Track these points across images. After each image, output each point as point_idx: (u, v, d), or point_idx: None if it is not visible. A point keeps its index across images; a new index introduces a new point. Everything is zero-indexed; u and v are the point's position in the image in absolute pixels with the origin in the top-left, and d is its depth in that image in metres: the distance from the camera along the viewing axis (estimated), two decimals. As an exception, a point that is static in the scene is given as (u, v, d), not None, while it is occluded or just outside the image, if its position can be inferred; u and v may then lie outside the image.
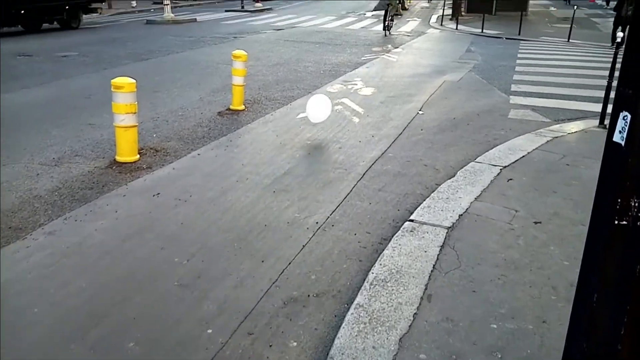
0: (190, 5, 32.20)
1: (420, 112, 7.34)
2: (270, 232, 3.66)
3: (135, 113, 4.85)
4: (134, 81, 4.81)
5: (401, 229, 3.50)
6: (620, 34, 6.27)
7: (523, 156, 5.24)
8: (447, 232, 3.43)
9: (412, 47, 14.52)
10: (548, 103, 8.01)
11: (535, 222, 3.69)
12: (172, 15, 21.22)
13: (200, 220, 3.81)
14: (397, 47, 14.19)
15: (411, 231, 3.44)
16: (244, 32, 17.12)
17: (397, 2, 17.38)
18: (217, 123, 6.43)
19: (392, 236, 3.49)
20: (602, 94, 8.79)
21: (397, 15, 24.42)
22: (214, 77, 9.24)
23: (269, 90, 8.44)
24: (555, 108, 7.73)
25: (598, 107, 7.66)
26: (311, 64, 11.14)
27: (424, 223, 3.57)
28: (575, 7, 17.75)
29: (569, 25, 17.10)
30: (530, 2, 26.22)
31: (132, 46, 13.21)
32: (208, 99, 7.68)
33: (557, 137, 6.01)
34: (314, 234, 3.64)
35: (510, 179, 4.54)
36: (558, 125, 6.63)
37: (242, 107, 7.14)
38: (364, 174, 4.88)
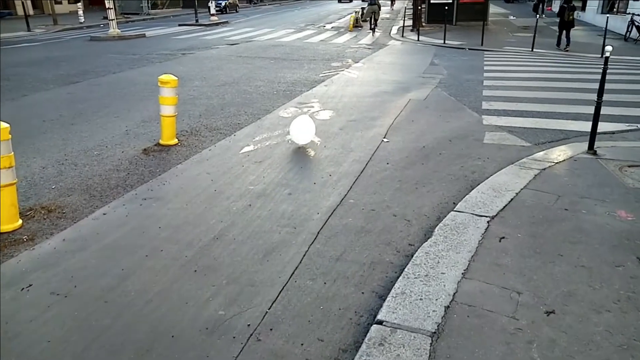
0: (144, 19, 30.79)
1: (385, 140, 6.36)
2: (178, 350, 2.54)
3: (11, 167, 3.66)
4: (7, 126, 3.62)
5: (366, 340, 2.44)
6: (609, 48, 5.45)
7: (512, 199, 4.28)
8: (431, 344, 2.39)
9: (373, 61, 13.66)
10: (524, 123, 7.18)
11: (548, 313, 2.70)
12: (118, 30, 19.86)
13: (77, 333, 2.65)
14: (357, 62, 13.30)
15: (380, 344, 2.38)
16: (195, 48, 15.95)
17: (379, 8, 23.23)
18: (139, 165, 5.26)
19: (355, 347, 2.43)
20: (580, 109, 8.11)
21: (358, 26, 24.00)
22: (149, 103, 8.05)
23: (212, 117, 7.31)
24: (533, 128, 6.90)
25: (580, 126, 6.91)
26: (264, 83, 10.07)
27: (398, 327, 2.52)
28: (538, 16, 17.34)
29: (531, 35, 16.66)
30: (490, 11, 25.95)
31: (65, 67, 11.85)
32: (135, 132, 6.48)
33: (544, 170, 5.10)
34: (241, 349, 2.54)
35: (503, 237, 3.56)
36: (542, 153, 5.75)
37: (175, 141, 5.99)
38: (317, 234, 3.82)
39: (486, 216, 3.91)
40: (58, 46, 17.02)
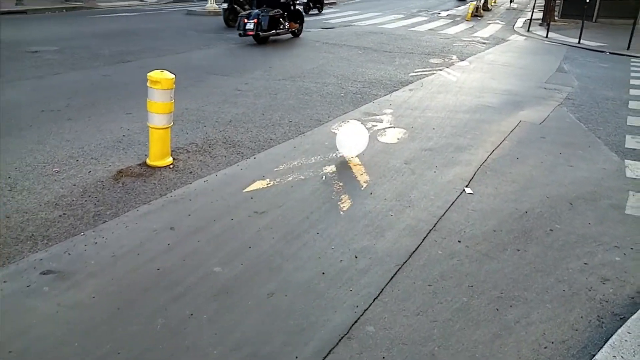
0: (255, -4, 30.05)
1: (468, 191, 4.24)
2: None
3: None
4: None
5: None
6: None
7: (690, 398, 2.08)
8: None
9: (483, 60, 11.13)
10: (696, 182, 4.63)
11: None
12: (216, 6, 18.96)
13: None
14: (463, 60, 10.87)
15: None
16: (282, 30, 14.41)
17: None
18: (91, 200, 3.67)
19: None
20: None
21: (478, 15, 21.12)
22: (181, 96, 6.53)
23: (242, 125, 5.61)
24: None
25: None
26: (334, 80, 8.18)
27: None
28: None
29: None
30: (643, 7, 21.46)
31: (132, 42, 10.85)
32: (132, 139, 4.96)
33: None
34: None
35: None
36: None
37: (167, 161, 4.36)
38: None
39: None
40: (150, 18, 16.41)
